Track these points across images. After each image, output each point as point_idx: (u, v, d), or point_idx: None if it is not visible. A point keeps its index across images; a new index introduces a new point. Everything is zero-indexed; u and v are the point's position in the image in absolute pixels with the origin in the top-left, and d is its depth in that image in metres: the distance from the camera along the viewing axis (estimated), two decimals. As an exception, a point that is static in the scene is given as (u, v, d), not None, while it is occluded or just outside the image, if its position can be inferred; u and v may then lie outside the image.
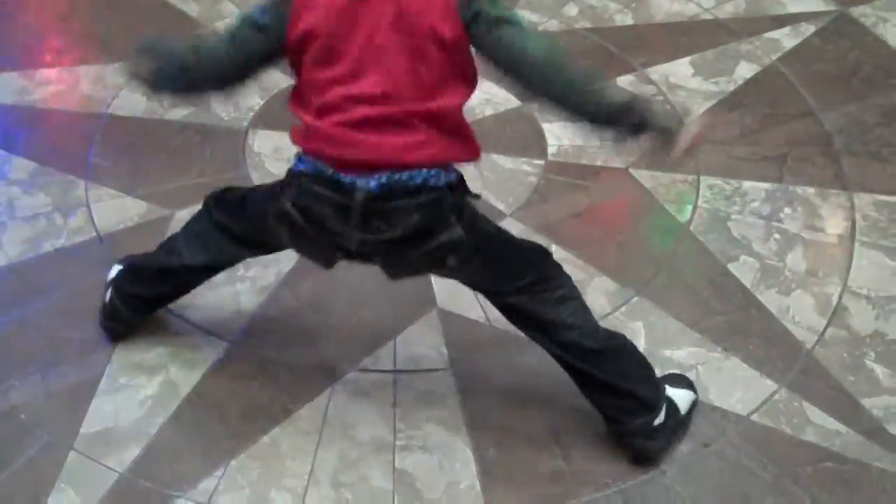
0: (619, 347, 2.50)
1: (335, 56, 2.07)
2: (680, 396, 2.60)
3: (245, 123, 3.47)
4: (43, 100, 3.59)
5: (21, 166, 3.34)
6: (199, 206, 3.09)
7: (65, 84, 3.64)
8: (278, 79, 3.57)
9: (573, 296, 2.45)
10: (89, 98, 3.58)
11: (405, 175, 2.13)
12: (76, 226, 3.14)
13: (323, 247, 2.31)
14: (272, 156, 3.36)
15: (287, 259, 3.02)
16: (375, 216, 2.17)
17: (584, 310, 2.47)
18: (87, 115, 3.51)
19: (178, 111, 3.50)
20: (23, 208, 3.20)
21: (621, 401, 2.48)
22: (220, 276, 2.93)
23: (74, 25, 3.92)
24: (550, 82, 2.12)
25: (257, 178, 3.26)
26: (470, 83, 2.18)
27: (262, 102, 3.54)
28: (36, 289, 2.97)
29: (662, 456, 2.57)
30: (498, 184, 3.30)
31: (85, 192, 3.24)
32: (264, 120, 3.48)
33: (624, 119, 2.14)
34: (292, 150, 3.29)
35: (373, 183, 2.13)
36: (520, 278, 2.39)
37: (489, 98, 3.59)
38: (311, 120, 2.15)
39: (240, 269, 2.98)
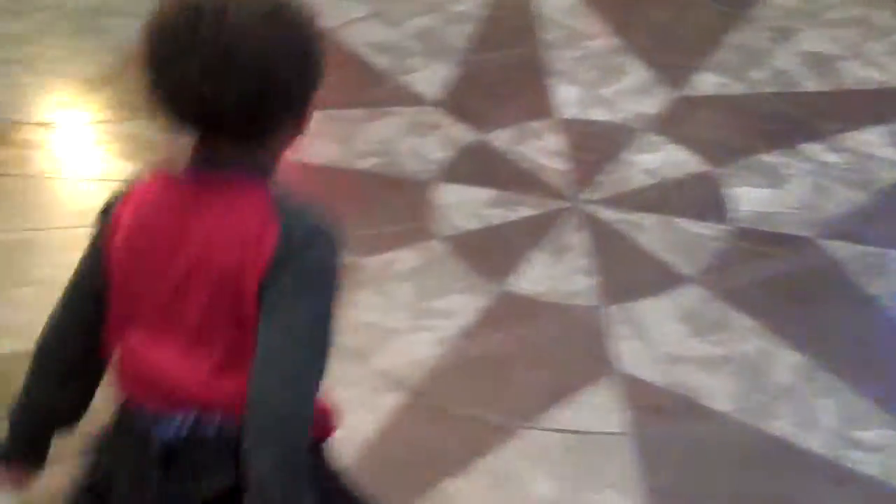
0: None
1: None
2: None
3: (431, 176, 3.53)
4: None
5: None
6: (385, 255, 3.18)
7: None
8: (465, 133, 3.65)
9: None
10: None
11: (214, 423, 1.61)
12: (265, 268, 3.23)
13: None
14: (455, 209, 3.40)
15: (470, 312, 3.05)
16: (177, 470, 1.64)
17: None
18: (277, 160, 3.62)
19: (367, 160, 3.58)
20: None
21: None
22: (404, 325, 3.00)
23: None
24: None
25: (438, 231, 3.31)
26: None
27: (447, 156, 3.59)
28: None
29: None
30: (680, 247, 3.27)
31: (274, 235, 3.34)
32: (450, 173, 3.54)
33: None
34: (476, 204, 3.39)
35: (172, 430, 1.62)
36: None
37: (673, 160, 3.58)
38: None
39: (422, 318, 3.03)
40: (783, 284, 3.15)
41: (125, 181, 1.66)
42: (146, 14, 1.47)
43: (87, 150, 3.66)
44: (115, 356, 1.69)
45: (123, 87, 3.73)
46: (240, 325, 1.56)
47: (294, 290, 1.53)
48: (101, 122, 3.77)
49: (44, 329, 1.73)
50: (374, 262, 3.20)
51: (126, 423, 1.69)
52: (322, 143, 3.65)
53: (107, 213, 1.65)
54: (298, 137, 1.63)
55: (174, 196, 1.60)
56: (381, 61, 4.06)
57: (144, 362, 1.64)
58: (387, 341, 2.97)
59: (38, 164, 3.59)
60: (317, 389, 1.58)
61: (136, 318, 1.64)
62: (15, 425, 1.75)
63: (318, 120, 3.70)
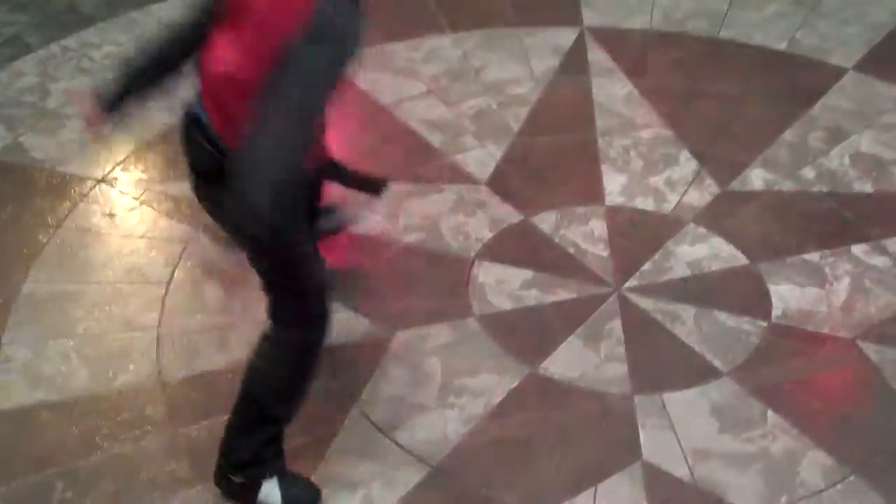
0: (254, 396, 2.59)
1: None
2: (269, 494, 2.67)
3: (472, 254, 3.55)
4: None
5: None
6: (419, 330, 3.20)
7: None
8: (510, 214, 3.68)
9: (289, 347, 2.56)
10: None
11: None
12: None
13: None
14: (495, 288, 3.42)
15: (499, 392, 3.06)
16: (194, 144, 2.38)
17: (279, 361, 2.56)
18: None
19: (412, 235, 3.62)
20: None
21: (225, 438, 2.66)
22: (431, 401, 3.01)
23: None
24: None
25: (477, 308, 3.33)
26: None
27: (491, 235, 3.62)
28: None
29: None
30: (717, 340, 3.25)
31: (314, 303, 3.37)
32: (491, 252, 3.56)
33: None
34: (514, 285, 3.40)
35: (199, 111, 2.34)
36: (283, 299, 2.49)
37: (716, 253, 3.57)
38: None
39: (451, 396, 3.04)
40: (819, 385, 3.12)
41: None
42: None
43: (139, 208, 3.74)
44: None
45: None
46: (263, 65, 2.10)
47: (307, 55, 2.08)
48: (155, 180, 3.86)
49: (165, 31, 2.44)
50: (407, 335, 3.23)
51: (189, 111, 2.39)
52: (369, 215, 3.70)
53: None
54: None
55: None
56: (434, 139, 4.11)
57: (210, 60, 2.27)
58: (413, 417, 2.98)
59: (91, 219, 3.68)
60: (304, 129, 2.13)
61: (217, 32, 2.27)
62: (119, 80, 2.46)
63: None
